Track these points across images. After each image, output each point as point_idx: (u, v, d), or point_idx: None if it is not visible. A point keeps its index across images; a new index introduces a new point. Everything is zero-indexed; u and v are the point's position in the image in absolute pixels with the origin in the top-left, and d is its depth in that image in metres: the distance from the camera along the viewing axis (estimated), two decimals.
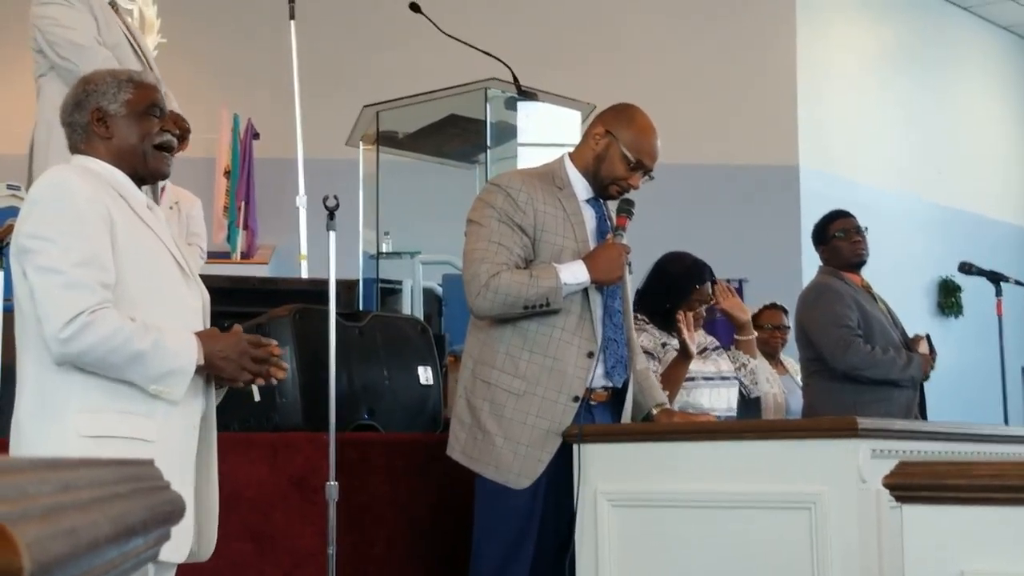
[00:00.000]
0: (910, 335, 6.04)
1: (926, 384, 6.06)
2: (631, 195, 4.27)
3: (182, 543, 3.01)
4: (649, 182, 4.29)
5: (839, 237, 6.06)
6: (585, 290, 4.12)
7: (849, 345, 5.75)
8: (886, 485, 2.10)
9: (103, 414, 3.00)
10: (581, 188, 4.28)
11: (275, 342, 3.25)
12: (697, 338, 5.31)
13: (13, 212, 5.83)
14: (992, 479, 2.01)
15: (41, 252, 2.88)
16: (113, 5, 4.91)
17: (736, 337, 5.71)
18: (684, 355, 4.96)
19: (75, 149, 3.15)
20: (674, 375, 5.03)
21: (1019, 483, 1.97)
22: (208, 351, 3.04)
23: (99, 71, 3.26)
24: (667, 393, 4.77)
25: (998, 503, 1.98)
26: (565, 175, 4.28)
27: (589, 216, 4.28)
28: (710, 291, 5.30)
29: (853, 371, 5.76)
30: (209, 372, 3.13)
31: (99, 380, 2.96)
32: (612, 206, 4.31)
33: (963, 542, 2.02)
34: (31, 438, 2.95)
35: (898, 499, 2.07)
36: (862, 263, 6.06)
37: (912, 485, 2.06)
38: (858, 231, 6.09)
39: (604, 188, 4.27)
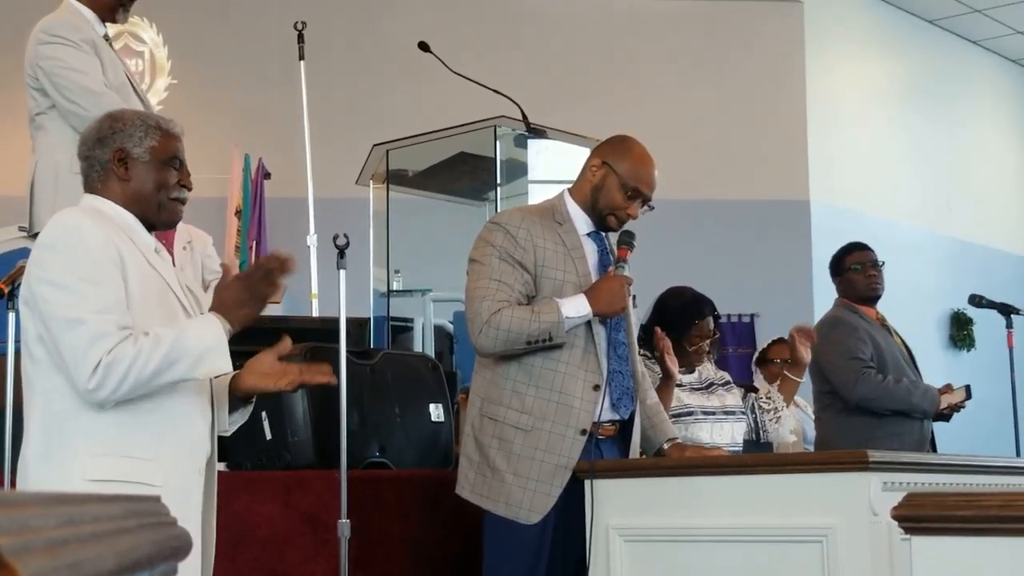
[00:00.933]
0: (938, 379, 6.02)
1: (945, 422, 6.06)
2: (632, 227, 4.29)
3: None
4: (650, 212, 4.31)
5: (855, 270, 6.06)
6: (589, 323, 4.13)
7: (860, 376, 5.74)
8: (895, 517, 2.10)
9: (109, 458, 2.97)
10: (581, 222, 4.30)
11: (284, 256, 3.21)
12: (706, 372, 5.32)
13: (24, 254, 5.84)
14: (1000, 510, 2.01)
15: (59, 301, 2.86)
16: (107, 38, 4.83)
17: (786, 374, 5.69)
18: (666, 378, 4.95)
19: (89, 185, 3.12)
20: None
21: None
22: (224, 313, 3.02)
23: (128, 111, 3.25)
24: None
25: (1006, 534, 1.98)
26: (565, 210, 4.30)
27: (591, 250, 4.29)
28: (711, 326, 5.29)
29: (865, 402, 5.75)
30: (242, 326, 3.09)
31: (106, 424, 2.94)
32: (614, 239, 4.31)
33: (972, 573, 2.02)
34: (36, 480, 2.93)
35: (907, 531, 2.07)
36: (877, 297, 6.06)
37: (920, 516, 2.07)
38: (874, 264, 6.08)
39: (603, 219, 4.28)
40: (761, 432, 5.55)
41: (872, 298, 6.04)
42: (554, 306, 4.04)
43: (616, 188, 4.24)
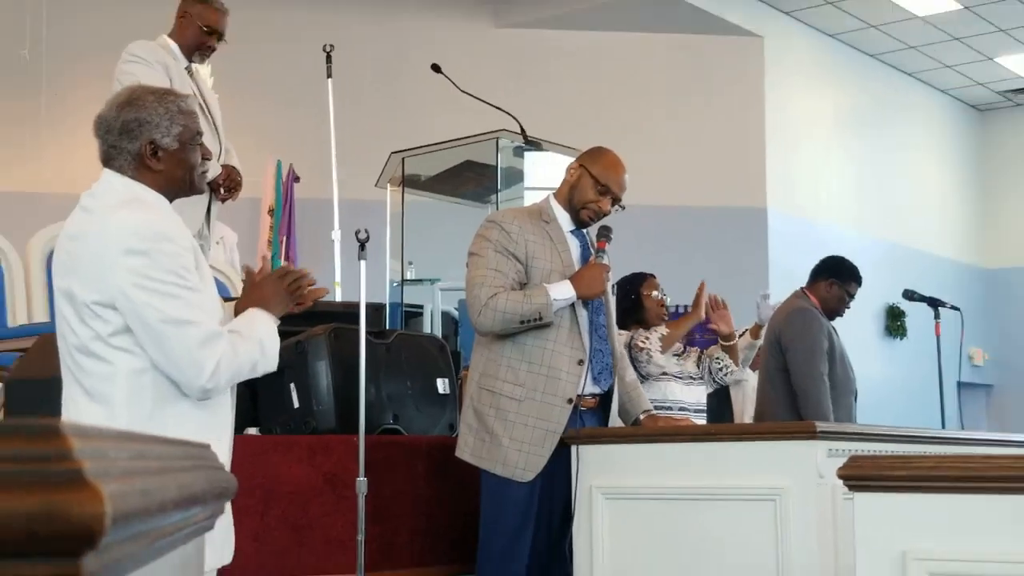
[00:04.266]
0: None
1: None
2: (610, 227, 4.32)
3: (226, 549, 3.00)
4: (626, 214, 4.34)
5: (845, 295, 5.98)
6: (573, 306, 4.15)
7: (820, 401, 5.68)
8: (840, 475, 2.11)
9: (187, 424, 2.89)
10: (564, 221, 4.32)
11: (305, 270, 3.20)
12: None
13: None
14: (930, 470, 2.03)
15: (163, 306, 2.76)
16: (189, 70, 4.99)
17: (722, 343, 5.71)
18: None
19: (117, 167, 2.92)
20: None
21: (954, 474, 1.99)
22: (267, 308, 3.00)
23: (143, 92, 3.01)
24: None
25: (936, 491, 2.00)
26: (551, 211, 4.33)
27: (573, 245, 4.32)
28: (658, 286, 5.46)
29: (804, 408, 5.71)
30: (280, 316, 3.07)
31: (189, 408, 2.88)
32: (595, 236, 4.34)
33: (906, 526, 2.03)
34: None
35: (850, 488, 2.09)
36: (833, 319, 5.99)
37: (862, 476, 2.08)
38: (852, 298, 6.05)
39: (578, 213, 4.30)
40: (719, 382, 5.61)
41: (831, 316, 5.97)
42: (543, 290, 4.06)
43: (589, 186, 4.26)
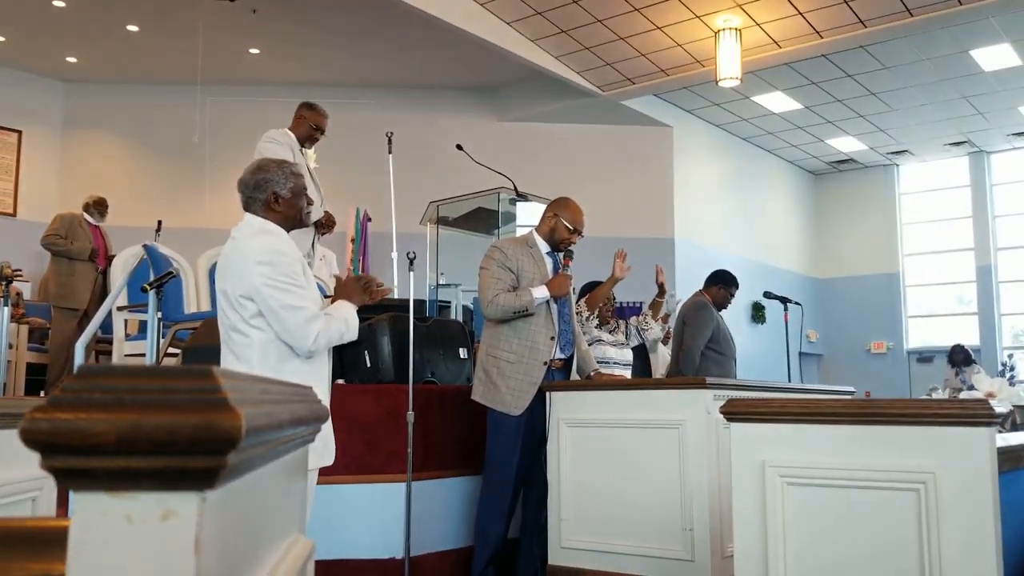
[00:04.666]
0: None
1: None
2: (574, 248, 4.32)
3: (327, 455, 2.99)
4: (581, 240, 4.34)
5: (729, 294, 5.98)
6: (548, 302, 4.16)
7: (693, 359, 5.69)
8: (721, 411, 2.11)
9: (299, 373, 2.90)
10: (543, 246, 4.31)
11: (374, 276, 3.17)
12: (612, 325, 5.41)
13: (143, 268, 5.84)
14: (781, 407, 2.03)
15: (282, 297, 2.78)
16: (302, 152, 4.98)
17: (656, 299, 5.70)
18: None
19: (252, 208, 2.95)
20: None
21: (796, 410, 1.99)
22: (351, 301, 3.00)
23: (268, 162, 3.04)
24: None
25: (784, 422, 2.00)
26: (534, 240, 4.32)
27: (548, 263, 4.30)
28: (610, 294, 5.34)
29: (685, 365, 5.72)
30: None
31: (301, 364, 2.88)
32: (562, 255, 4.34)
33: (764, 445, 2.03)
34: None
35: (728, 419, 2.09)
36: (721, 310, 5.99)
37: (735, 411, 2.08)
38: (733, 297, 6.03)
39: (556, 246, 4.30)
40: (644, 334, 5.59)
41: (719, 308, 5.98)
42: (528, 292, 4.07)
43: (564, 228, 4.27)
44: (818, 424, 1.94)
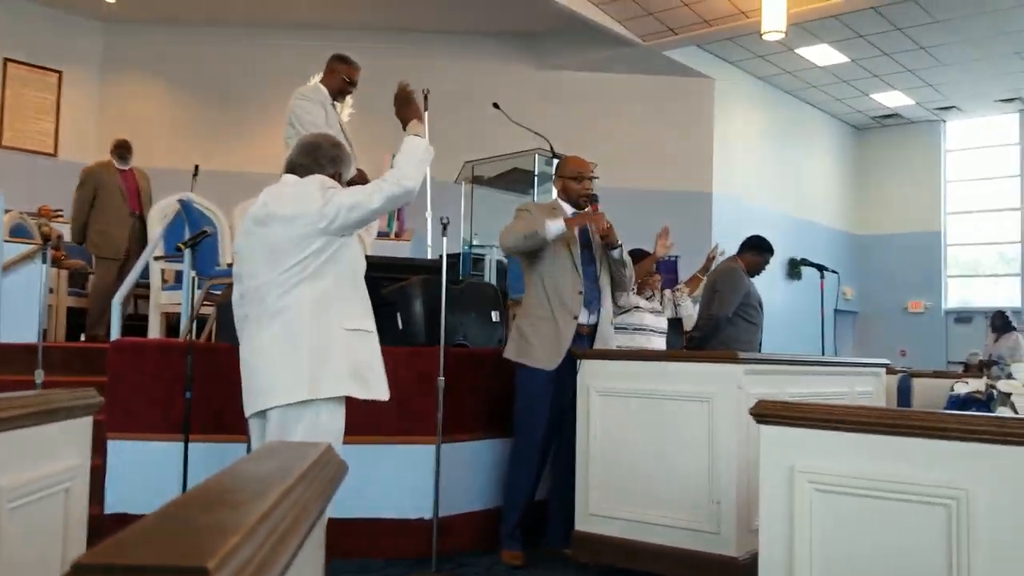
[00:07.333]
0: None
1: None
2: (595, 193, 4.35)
3: (381, 388, 3.12)
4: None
5: (763, 260, 5.84)
6: (573, 261, 4.18)
7: (716, 328, 5.64)
8: (751, 413, 2.08)
9: (354, 318, 3.05)
10: (568, 209, 4.33)
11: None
12: (651, 293, 5.37)
13: (180, 222, 5.84)
14: (813, 413, 2.00)
15: (349, 196, 2.98)
16: (334, 106, 4.89)
17: (696, 274, 5.66)
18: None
19: (311, 171, 3.09)
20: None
21: (828, 417, 1.95)
22: (411, 117, 3.45)
23: (346, 150, 3.22)
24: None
25: (817, 427, 1.97)
26: (559, 204, 4.35)
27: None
28: (652, 269, 5.28)
29: (707, 333, 5.67)
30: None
31: (349, 302, 3.01)
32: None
33: (794, 449, 2.00)
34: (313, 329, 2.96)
35: (757, 422, 2.05)
36: (754, 276, 5.90)
37: (765, 413, 2.05)
38: (767, 263, 5.91)
39: (577, 201, 4.32)
40: (677, 309, 5.57)
41: (752, 274, 5.88)
42: (543, 222, 4.10)
43: (571, 183, 4.33)
44: (851, 432, 1.91)
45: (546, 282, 4.17)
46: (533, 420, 4.14)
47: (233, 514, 0.79)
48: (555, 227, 4.09)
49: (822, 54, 11.79)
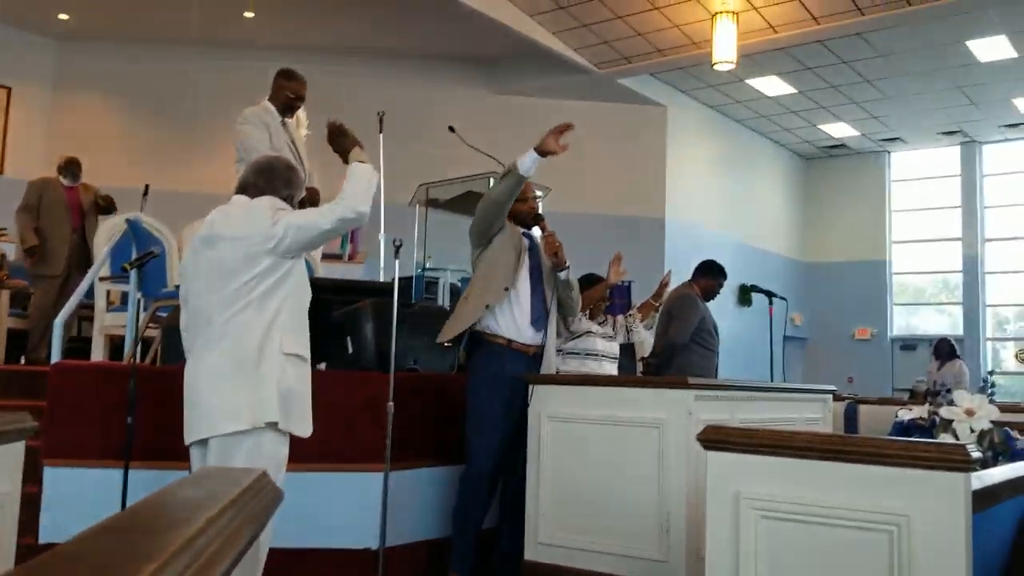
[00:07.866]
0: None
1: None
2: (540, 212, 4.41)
3: (304, 427, 2.99)
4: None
5: (717, 284, 5.88)
6: (516, 264, 4.16)
7: (673, 354, 5.66)
8: (698, 439, 2.07)
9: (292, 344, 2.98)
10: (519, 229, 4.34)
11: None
12: (602, 319, 5.35)
13: (127, 242, 5.74)
14: (757, 438, 2.00)
15: (298, 216, 2.99)
16: (283, 123, 4.81)
17: (650, 300, 5.64)
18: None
19: (263, 192, 3.07)
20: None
21: (770, 443, 1.96)
22: (350, 147, 3.40)
23: (299, 177, 3.22)
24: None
25: (759, 453, 1.97)
26: (510, 225, 4.33)
27: (525, 242, 4.32)
28: (604, 293, 5.28)
29: (663, 360, 5.69)
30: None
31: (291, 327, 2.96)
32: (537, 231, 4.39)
33: (739, 474, 2.00)
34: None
35: (705, 448, 2.05)
36: (708, 301, 5.94)
37: (713, 439, 2.04)
38: (721, 287, 5.94)
39: (525, 222, 4.35)
40: (630, 334, 5.57)
41: (707, 299, 5.92)
42: (514, 161, 4.05)
43: (517, 205, 4.28)
44: (795, 459, 1.91)
45: (482, 268, 4.15)
46: (484, 439, 4.06)
47: (154, 541, 0.76)
48: (528, 158, 3.99)
49: (771, 85, 12.01)
